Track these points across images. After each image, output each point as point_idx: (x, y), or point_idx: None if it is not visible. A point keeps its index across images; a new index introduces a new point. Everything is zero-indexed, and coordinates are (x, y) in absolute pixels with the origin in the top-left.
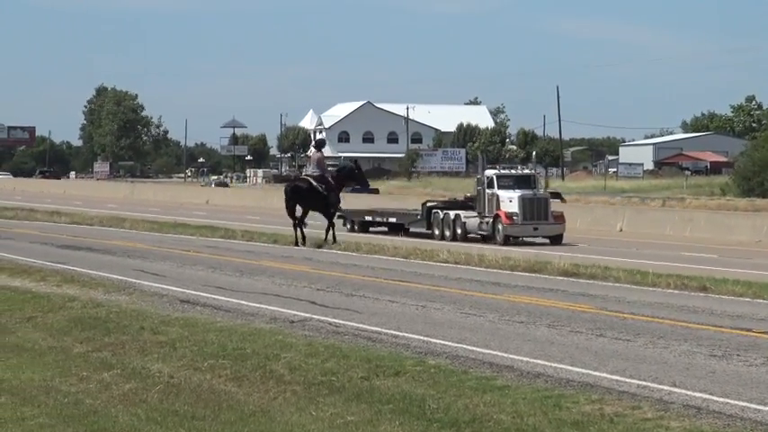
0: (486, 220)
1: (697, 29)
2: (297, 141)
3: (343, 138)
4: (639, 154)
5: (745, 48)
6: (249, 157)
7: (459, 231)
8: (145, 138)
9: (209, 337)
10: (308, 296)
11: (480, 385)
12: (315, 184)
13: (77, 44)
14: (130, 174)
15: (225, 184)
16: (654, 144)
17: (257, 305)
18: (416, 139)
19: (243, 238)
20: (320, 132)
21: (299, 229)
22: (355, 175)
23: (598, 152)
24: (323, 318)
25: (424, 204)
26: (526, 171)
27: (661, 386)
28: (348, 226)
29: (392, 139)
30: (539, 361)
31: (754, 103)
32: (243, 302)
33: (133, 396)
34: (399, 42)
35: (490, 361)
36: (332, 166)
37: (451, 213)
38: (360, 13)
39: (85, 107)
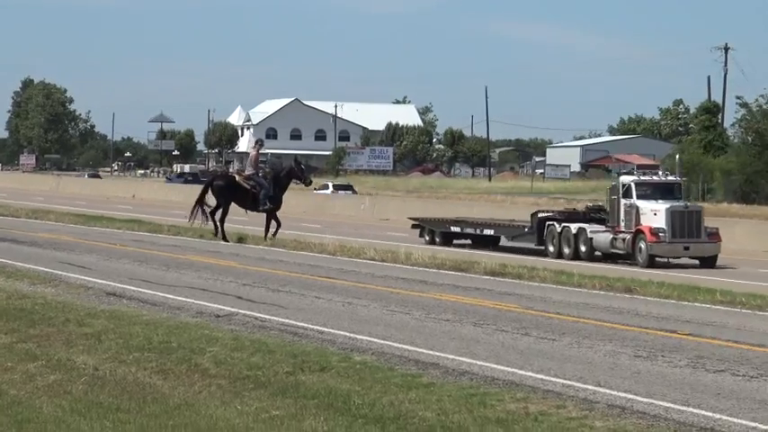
0: (623, 236)
1: (626, 32)
2: (224, 137)
3: (271, 134)
4: (567, 156)
5: (674, 52)
6: (176, 152)
7: (583, 248)
8: (72, 131)
9: (134, 329)
10: (234, 291)
11: (406, 382)
12: (238, 179)
13: (3, 36)
14: (57, 167)
15: (96, 176)
16: (581, 146)
17: (183, 299)
18: (344, 136)
19: (169, 232)
20: (247, 129)
21: (212, 219)
22: (294, 173)
23: (525, 153)
24: (249, 312)
25: (534, 215)
26: (671, 178)
27: (586, 386)
28: (427, 237)
29: (320, 136)
30: (464, 359)
31: (681, 106)
32: (169, 296)
33: (58, 387)
34: (329, 41)
35: (416, 358)
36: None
37: (573, 227)
38: (289, 11)
39: (12, 99)
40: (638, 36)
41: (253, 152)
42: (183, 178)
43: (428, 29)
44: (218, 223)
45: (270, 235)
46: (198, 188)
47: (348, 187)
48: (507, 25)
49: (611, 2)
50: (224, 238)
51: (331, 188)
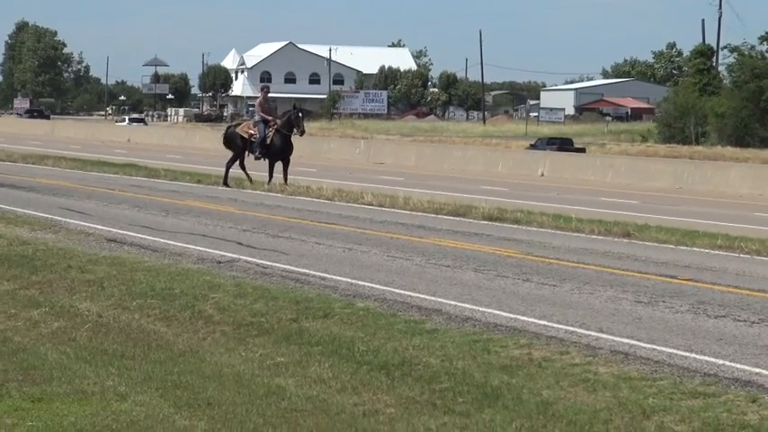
0: None
1: None
2: (218, 81)
3: (265, 78)
4: (561, 99)
5: None
6: (170, 96)
7: None
8: (66, 75)
9: (136, 276)
10: (234, 237)
11: (409, 328)
12: (237, 130)
13: None
14: (51, 111)
15: (142, 121)
16: (575, 89)
17: (184, 245)
18: (338, 80)
19: (166, 177)
20: (242, 72)
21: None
22: (290, 121)
23: (519, 96)
24: (250, 259)
25: None
26: None
27: (588, 332)
28: None
29: (314, 80)
30: (466, 305)
31: (674, 49)
32: (170, 242)
33: (62, 334)
34: None
35: (418, 304)
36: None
37: None
38: None
39: (6, 43)
40: None
41: (259, 99)
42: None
43: None
44: (244, 170)
45: (277, 182)
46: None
47: (141, 120)
48: None
49: None
50: (226, 182)
51: (127, 121)
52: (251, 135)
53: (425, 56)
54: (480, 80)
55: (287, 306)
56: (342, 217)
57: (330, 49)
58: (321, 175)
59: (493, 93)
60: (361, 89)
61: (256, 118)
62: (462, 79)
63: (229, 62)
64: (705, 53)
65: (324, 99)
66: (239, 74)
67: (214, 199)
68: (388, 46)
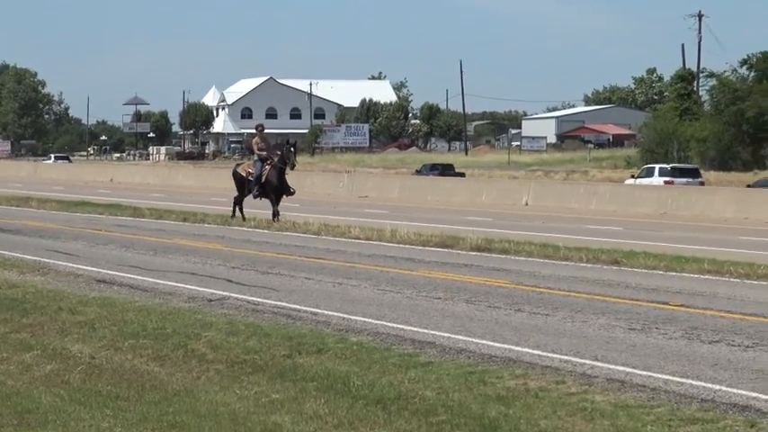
0: None
1: (599, 2)
2: (199, 118)
3: (246, 114)
4: (542, 127)
5: (647, 20)
6: (152, 135)
7: None
8: (47, 116)
9: (128, 316)
10: (223, 274)
11: (404, 362)
12: (238, 170)
13: None
14: (32, 153)
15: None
16: (556, 117)
17: (174, 284)
18: (319, 114)
19: (152, 216)
20: (222, 109)
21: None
22: (284, 156)
23: (501, 126)
24: (241, 296)
25: None
26: None
27: (583, 360)
28: None
29: (295, 114)
30: (460, 337)
31: (655, 75)
32: (159, 281)
33: (55, 377)
34: (302, 18)
35: (411, 337)
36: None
37: None
38: None
39: None
40: (611, 5)
41: (255, 138)
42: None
43: (403, 4)
44: (240, 208)
45: (264, 219)
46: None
47: (65, 158)
48: None
49: None
50: (233, 215)
51: (53, 158)
52: (249, 174)
53: (406, 87)
54: (462, 110)
55: (280, 342)
56: (329, 251)
57: (311, 84)
58: (306, 210)
59: (474, 123)
60: (342, 123)
61: (255, 158)
62: (444, 110)
63: (210, 99)
64: (686, 78)
65: (305, 134)
66: (220, 110)
67: (201, 237)
68: (369, 78)
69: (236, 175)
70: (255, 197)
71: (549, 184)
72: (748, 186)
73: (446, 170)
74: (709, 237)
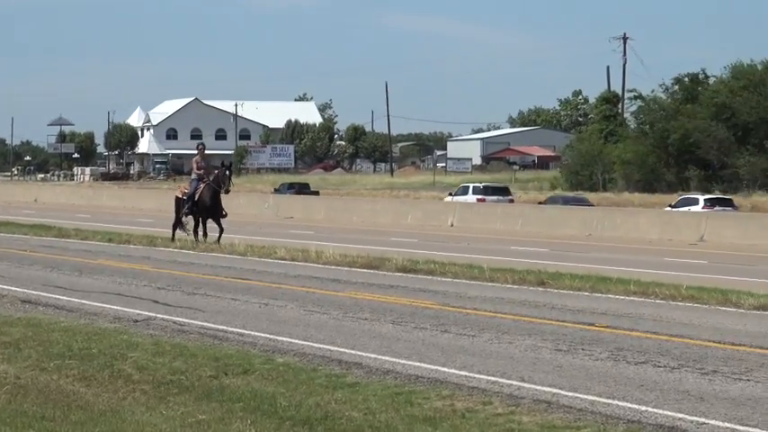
0: None
1: (524, 24)
2: (124, 139)
3: (171, 135)
4: (467, 149)
5: (572, 42)
6: (76, 155)
7: None
8: None
9: (53, 337)
10: (149, 295)
11: (330, 383)
12: (177, 194)
13: None
14: None
15: None
16: (482, 139)
17: (100, 304)
18: (245, 135)
19: (77, 236)
20: (147, 130)
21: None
22: (218, 178)
23: (426, 147)
24: (167, 316)
25: None
26: None
27: (510, 381)
28: None
29: (220, 135)
30: (386, 357)
31: (580, 97)
32: (85, 302)
33: None
34: (227, 38)
35: (338, 358)
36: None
37: None
38: (187, 9)
39: None
40: (536, 28)
41: (195, 157)
42: None
43: (327, 24)
44: (174, 228)
45: (212, 240)
46: None
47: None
48: (405, 19)
49: None
50: (173, 239)
51: None
52: (184, 194)
53: (331, 109)
54: (387, 132)
55: (206, 363)
56: (256, 272)
57: (236, 105)
58: (232, 231)
59: (400, 144)
60: (267, 144)
61: (192, 176)
62: (369, 131)
63: (135, 120)
64: (610, 100)
65: (231, 154)
66: (145, 131)
67: (127, 257)
68: (294, 100)
69: (175, 199)
70: (186, 215)
71: (475, 205)
72: (671, 207)
73: (302, 189)
74: (634, 258)
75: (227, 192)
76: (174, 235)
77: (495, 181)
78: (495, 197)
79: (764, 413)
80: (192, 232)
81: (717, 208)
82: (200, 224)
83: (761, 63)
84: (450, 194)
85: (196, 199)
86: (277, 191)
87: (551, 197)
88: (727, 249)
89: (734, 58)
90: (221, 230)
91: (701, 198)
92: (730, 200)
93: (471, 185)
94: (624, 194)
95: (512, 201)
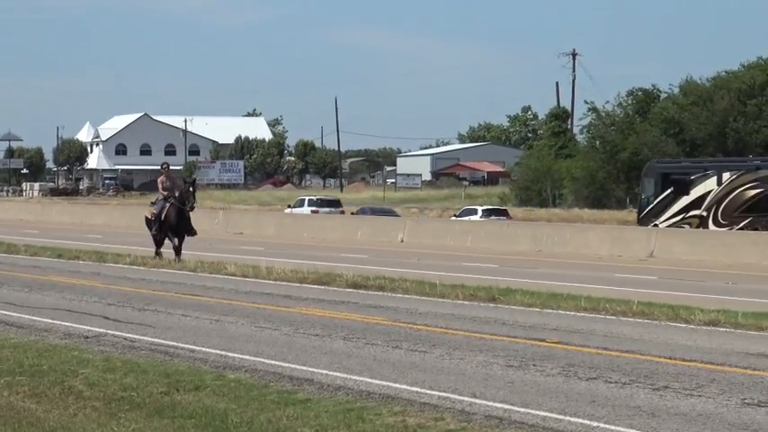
0: None
1: (472, 39)
2: (73, 154)
3: (121, 150)
4: (417, 165)
5: (521, 58)
6: (25, 171)
7: None
8: None
9: (3, 353)
10: (100, 311)
11: (282, 399)
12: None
13: None
14: None
15: None
16: (431, 155)
17: (50, 321)
18: (194, 151)
19: (26, 252)
20: (96, 145)
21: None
22: (186, 195)
23: (376, 163)
24: (117, 333)
25: None
26: None
27: (462, 397)
28: None
29: (170, 151)
30: (338, 374)
31: (530, 113)
32: (35, 318)
33: None
34: (177, 54)
35: (289, 374)
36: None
37: None
38: (136, 24)
39: None
40: (485, 43)
41: (160, 177)
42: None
43: (275, 40)
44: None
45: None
46: None
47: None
48: (355, 34)
49: (457, 9)
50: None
51: None
52: (153, 214)
53: (281, 124)
54: (337, 147)
55: (157, 379)
56: (206, 288)
57: (185, 120)
58: (182, 247)
59: (350, 160)
60: (217, 159)
61: (159, 196)
62: (319, 147)
63: (84, 135)
64: (560, 116)
65: (180, 170)
66: (94, 147)
67: (77, 273)
68: (244, 115)
69: (145, 220)
70: (154, 236)
71: (425, 221)
72: (455, 216)
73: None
74: (584, 274)
75: (191, 209)
76: (156, 252)
77: (447, 197)
78: (327, 209)
79: (715, 429)
80: (156, 252)
81: (492, 217)
82: (172, 243)
83: (708, 80)
84: (289, 206)
85: (162, 219)
86: (153, 203)
87: (361, 208)
88: (676, 265)
89: (682, 75)
90: (180, 248)
91: (480, 209)
92: (505, 210)
93: (307, 198)
94: (574, 210)
95: (342, 212)
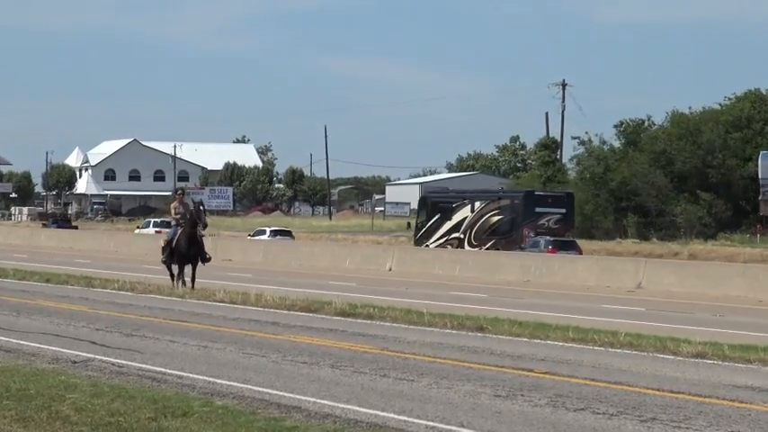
0: None
1: (463, 69)
2: (62, 179)
3: (110, 176)
4: (406, 193)
5: (511, 88)
6: (14, 195)
7: None
8: None
9: None
10: (87, 336)
11: (269, 426)
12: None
13: None
14: None
15: None
16: (420, 183)
17: (38, 345)
18: (183, 177)
19: (15, 276)
20: (86, 170)
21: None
22: (194, 217)
23: (365, 191)
24: (105, 358)
25: None
26: None
27: (449, 426)
28: None
29: (159, 177)
30: (325, 401)
31: (518, 143)
32: (23, 342)
33: None
34: (167, 80)
35: (277, 401)
36: (98, 203)
37: None
38: (127, 50)
39: None
40: (475, 73)
41: (173, 203)
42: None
43: (265, 68)
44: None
45: (190, 285)
46: None
47: None
48: (345, 62)
49: (449, 39)
50: (176, 285)
51: None
52: (165, 241)
53: (270, 151)
54: (326, 175)
55: (145, 405)
56: (194, 315)
57: (175, 146)
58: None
59: (339, 188)
60: (206, 186)
61: (172, 223)
62: (308, 175)
63: (73, 160)
64: (549, 146)
65: (169, 196)
66: (83, 172)
67: (65, 298)
68: (233, 142)
69: (161, 248)
70: (164, 262)
71: (413, 250)
72: (249, 236)
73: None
74: (572, 304)
75: (204, 226)
76: (174, 282)
77: None
78: (279, 237)
79: None
80: (174, 279)
81: (278, 237)
82: (182, 271)
83: (696, 113)
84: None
85: (173, 246)
86: (45, 225)
87: (258, 230)
88: (664, 297)
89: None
90: (194, 276)
91: (268, 229)
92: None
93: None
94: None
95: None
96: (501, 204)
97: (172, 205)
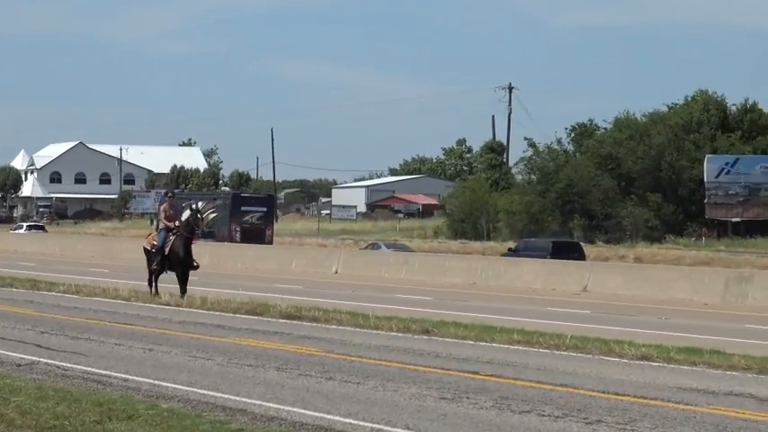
0: None
1: (408, 72)
2: (8, 182)
3: (55, 178)
4: (352, 196)
5: (457, 92)
6: None
7: None
8: None
9: None
10: (32, 339)
11: (215, 429)
12: (144, 243)
13: None
14: None
15: None
16: (366, 186)
17: None
18: (129, 180)
19: None
20: (31, 173)
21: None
22: (190, 223)
23: (311, 194)
24: (50, 361)
25: None
26: None
27: (394, 429)
28: None
29: (105, 180)
30: (271, 404)
31: (465, 146)
32: None
33: None
34: (113, 83)
35: (222, 404)
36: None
37: None
38: (72, 53)
39: None
40: (420, 76)
41: (163, 206)
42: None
43: (213, 71)
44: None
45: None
46: None
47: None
48: (291, 65)
49: (393, 42)
50: (151, 293)
51: None
52: (153, 246)
53: (216, 154)
54: (272, 178)
55: (90, 408)
56: (140, 317)
57: (121, 149)
58: (115, 276)
59: (285, 191)
60: (152, 189)
61: (160, 226)
62: (254, 178)
63: (19, 162)
64: (495, 149)
65: (115, 199)
66: (29, 174)
67: (10, 301)
68: (179, 145)
69: (144, 251)
70: (154, 272)
71: (360, 253)
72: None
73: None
74: (518, 307)
75: (201, 234)
76: (153, 289)
77: (382, 229)
78: (33, 231)
79: None
80: (152, 286)
81: (32, 230)
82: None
83: (644, 115)
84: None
85: (166, 252)
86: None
87: (18, 224)
88: (610, 299)
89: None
90: (185, 284)
91: (25, 225)
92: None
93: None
94: (508, 243)
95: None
96: (216, 204)
97: (162, 208)
